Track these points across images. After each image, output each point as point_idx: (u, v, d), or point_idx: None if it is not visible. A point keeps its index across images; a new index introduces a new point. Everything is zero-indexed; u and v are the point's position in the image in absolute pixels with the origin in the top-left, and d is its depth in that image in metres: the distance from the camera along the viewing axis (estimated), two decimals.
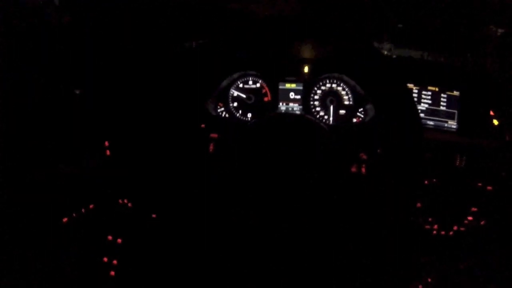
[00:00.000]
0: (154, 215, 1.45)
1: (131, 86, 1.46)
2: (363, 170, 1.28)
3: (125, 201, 1.45)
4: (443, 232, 1.49)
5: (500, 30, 1.70)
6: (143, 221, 1.47)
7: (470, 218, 1.48)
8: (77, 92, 1.39)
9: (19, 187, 1.29)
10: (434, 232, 1.49)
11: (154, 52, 1.48)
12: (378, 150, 1.33)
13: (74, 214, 1.35)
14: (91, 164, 1.39)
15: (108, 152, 1.41)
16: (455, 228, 1.49)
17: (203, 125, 1.42)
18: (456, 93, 1.62)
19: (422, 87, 1.64)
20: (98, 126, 1.41)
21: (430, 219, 1.49)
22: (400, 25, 1.86)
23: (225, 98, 1.65)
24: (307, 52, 1.63)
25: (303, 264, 1.35)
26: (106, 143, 1.41)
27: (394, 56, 1.71)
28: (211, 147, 1.42)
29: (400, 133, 1.39)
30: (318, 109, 1.66)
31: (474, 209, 1.48)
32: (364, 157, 1.29)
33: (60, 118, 1.37)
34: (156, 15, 1.47)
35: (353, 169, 1.30)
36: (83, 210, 1.37)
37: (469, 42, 1.74)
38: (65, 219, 1.33)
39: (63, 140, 1.36)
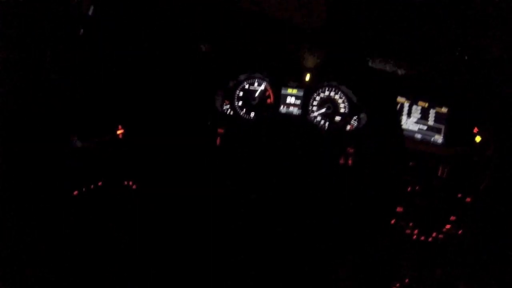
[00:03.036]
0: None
1: (149, 80, 1.60)
2: (350, 162, 1.44)
3: (130, 183, 1.59)
4: (422, 238, 1.59)
5: None
6: (143, 204, 1.60)
7: (448, 226, 1.57)
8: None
9: (35, 159, 1.40)
10: (414, 236, 1.59)
11: (171, 51, 1.62)
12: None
13: (84, 189, 1.48)
14: (103, 142, 1.51)
15: (120, 135, 1.55)
16: (434, 234, 1.58)
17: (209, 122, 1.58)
18: (444, 109, 1.73)
19: (413, 102, 1.76)
20: (114, 109, 1.55)
21: (411, 224, 1.59)
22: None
23: (231, 97, 1.81)
24: (310, 61, 1.77)
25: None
26: (120, 127, 1.55)
27: (400, 72, 1.81)
28: (218, 141, 1.59)
29: (384, 142, 1.55)
30: (315, 114, 1.79)
31: (452, 218, 1.57)
32: (351, 150, 1.45)
33: (77, 95, 1.49)
34: (175, 16, 1.61)
35: (341, 161, 1.46)
36: (92, 186, 1.50)
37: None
38: (75, 192, 1.46)
39: (79, 116, 1.47)
